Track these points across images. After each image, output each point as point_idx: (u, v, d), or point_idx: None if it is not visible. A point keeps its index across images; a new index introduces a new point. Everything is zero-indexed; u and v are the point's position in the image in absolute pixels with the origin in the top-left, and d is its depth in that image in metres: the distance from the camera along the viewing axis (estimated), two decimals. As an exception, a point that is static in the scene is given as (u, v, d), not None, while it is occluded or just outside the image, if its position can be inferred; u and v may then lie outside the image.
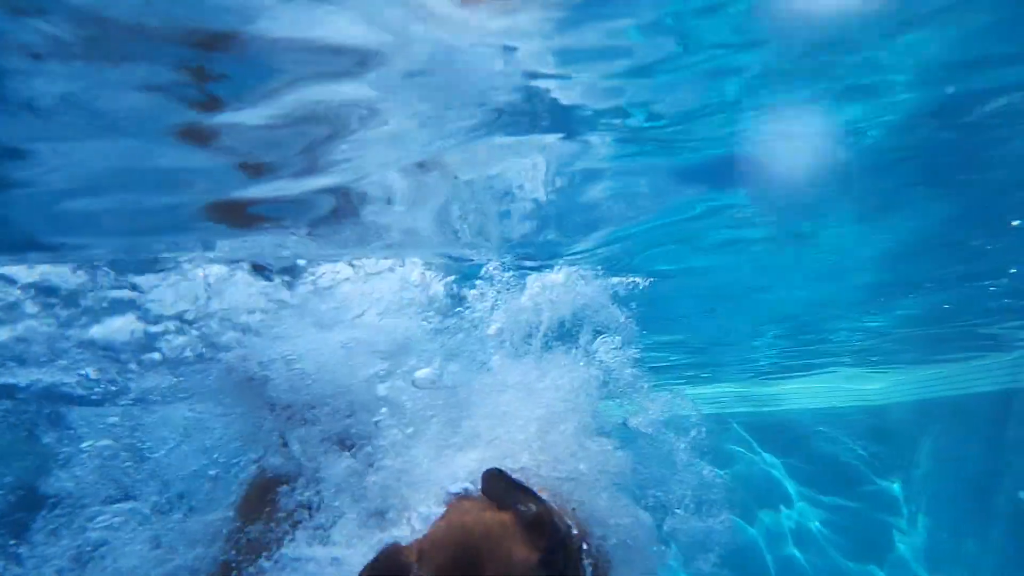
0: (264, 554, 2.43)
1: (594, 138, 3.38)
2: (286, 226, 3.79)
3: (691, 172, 3.96)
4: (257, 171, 3.17)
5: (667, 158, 3.72)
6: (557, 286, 4.45)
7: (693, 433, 4.03)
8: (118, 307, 3.77)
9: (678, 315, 7.53)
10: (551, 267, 4.73)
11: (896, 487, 12.74)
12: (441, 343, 3.80)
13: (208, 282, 3.83)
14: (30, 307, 3.69)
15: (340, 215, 3.77)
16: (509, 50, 2.58)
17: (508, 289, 4.26)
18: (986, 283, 6.81)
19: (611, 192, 4.09)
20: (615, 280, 5.24)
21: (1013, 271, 6.35)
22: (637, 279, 5.59)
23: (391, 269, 4.38)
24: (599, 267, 5.05)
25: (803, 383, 13.68)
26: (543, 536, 1.71)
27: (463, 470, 2.21)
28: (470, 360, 3.66)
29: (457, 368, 3.35)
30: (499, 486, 1.78)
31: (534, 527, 1.71)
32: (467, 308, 4.15)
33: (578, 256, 4.95)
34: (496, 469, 1.80)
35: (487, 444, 2.38)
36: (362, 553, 2.20)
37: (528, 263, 4.78)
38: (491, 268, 4.46)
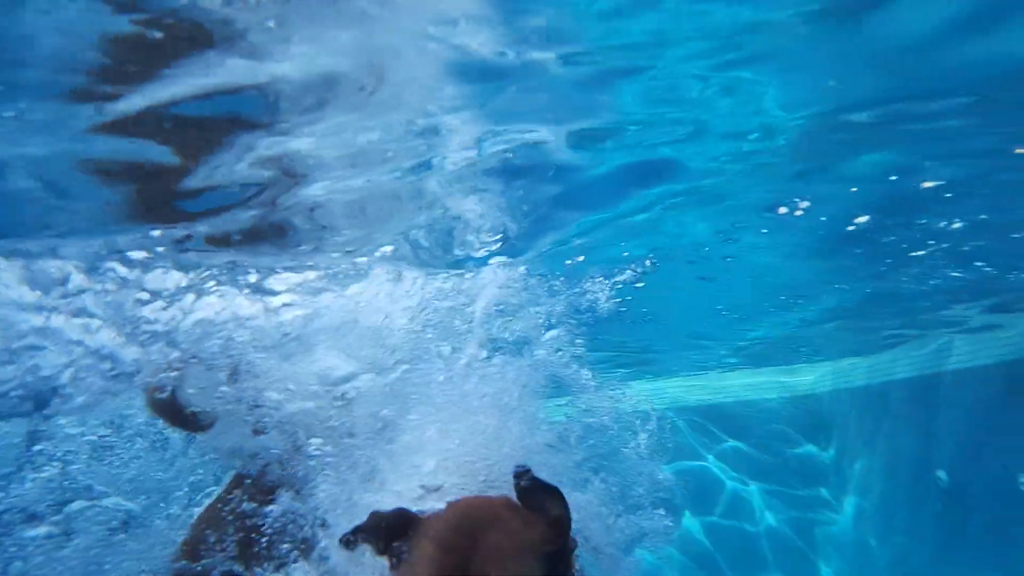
0: None
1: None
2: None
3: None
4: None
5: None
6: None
7: (640, 425, 4.29)
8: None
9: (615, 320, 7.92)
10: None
11: (826, 468, 13.64)
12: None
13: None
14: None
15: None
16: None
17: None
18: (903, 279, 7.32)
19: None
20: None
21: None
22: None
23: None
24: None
25: (742, 377, 14.40)
26: (559, 534, 1.75)
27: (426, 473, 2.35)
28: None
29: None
30: (530, 485, 1.80)
31: (552, 524, 1.75)
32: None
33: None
34: (524, 466, 1.83)
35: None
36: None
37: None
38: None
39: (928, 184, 4.63)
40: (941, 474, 10.19)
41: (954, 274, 6.90)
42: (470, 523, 1.74)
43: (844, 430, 13.29)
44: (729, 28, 2.77)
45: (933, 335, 10.46)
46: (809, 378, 14.44)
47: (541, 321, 4.74)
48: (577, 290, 5.81)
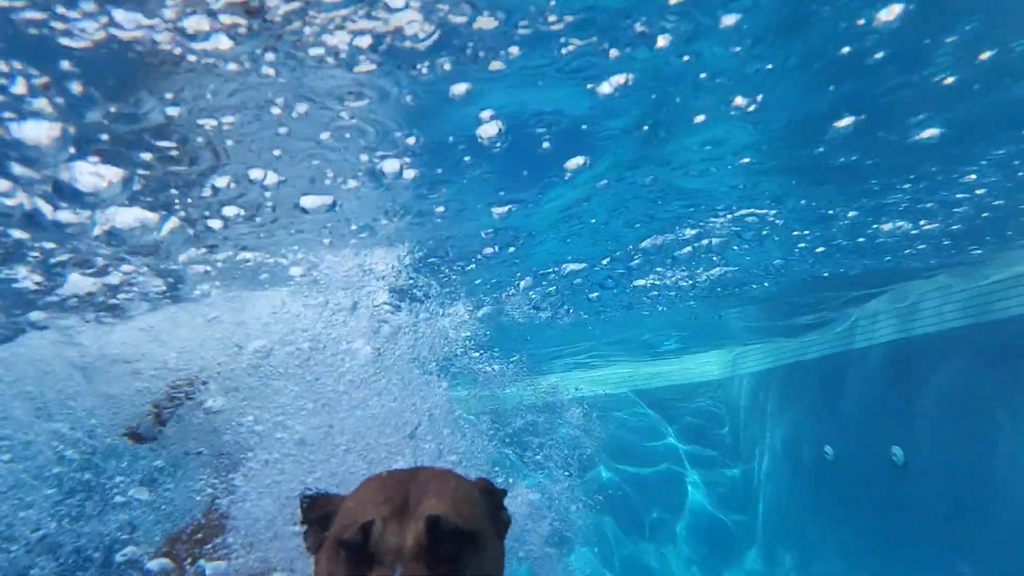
0: None
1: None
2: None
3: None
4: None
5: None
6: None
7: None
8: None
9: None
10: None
11: (736, 446, 14.80)
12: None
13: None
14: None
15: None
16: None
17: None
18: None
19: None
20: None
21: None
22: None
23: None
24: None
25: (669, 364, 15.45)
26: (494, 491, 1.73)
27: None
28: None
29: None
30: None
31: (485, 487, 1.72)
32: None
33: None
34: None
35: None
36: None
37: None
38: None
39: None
40: (828, 449, 11.26)
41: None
42: (399, 472, 1.66)
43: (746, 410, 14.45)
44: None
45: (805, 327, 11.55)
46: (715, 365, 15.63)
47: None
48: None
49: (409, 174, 3.78)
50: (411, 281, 5.33)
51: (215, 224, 3.83)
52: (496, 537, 1.68)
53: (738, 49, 3.22)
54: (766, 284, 8.35)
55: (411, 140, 3.49)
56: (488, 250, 5.44)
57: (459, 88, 3.12)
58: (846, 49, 3.37)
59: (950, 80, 3.76)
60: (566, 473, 10.97)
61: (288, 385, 3.54)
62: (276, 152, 3.34)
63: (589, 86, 3.32)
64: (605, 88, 3.33)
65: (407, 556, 1.43)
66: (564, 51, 3.00)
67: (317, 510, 1.75)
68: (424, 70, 2.95)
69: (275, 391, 3.50)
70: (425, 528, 1.46)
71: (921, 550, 9.29)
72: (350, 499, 1.65)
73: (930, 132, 4.37)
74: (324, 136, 3.31)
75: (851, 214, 6.03)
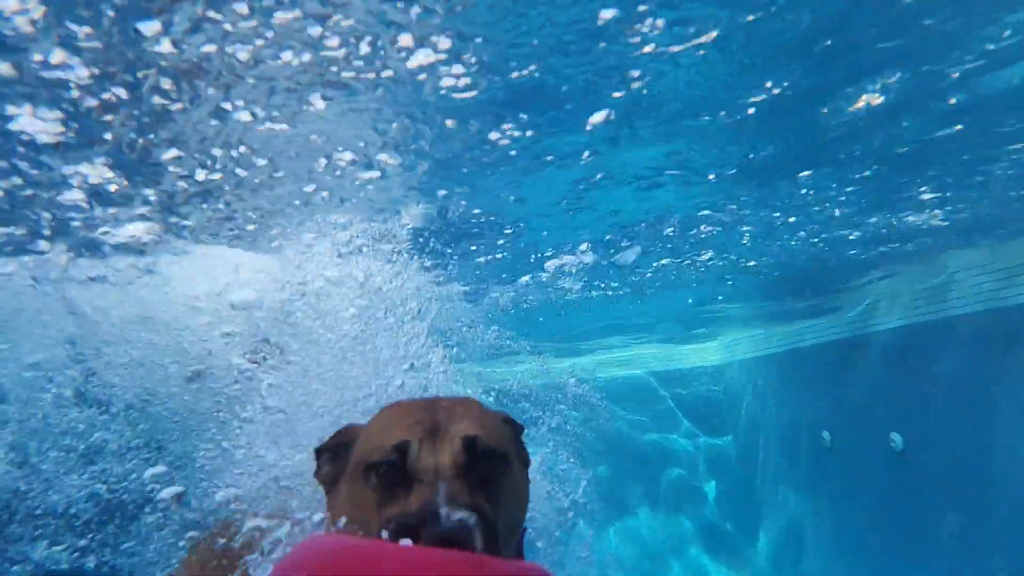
0: None
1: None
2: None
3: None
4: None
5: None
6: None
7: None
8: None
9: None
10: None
11: (733, 427, 14.92)
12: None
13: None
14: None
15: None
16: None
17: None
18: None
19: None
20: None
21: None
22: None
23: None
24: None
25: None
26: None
27: None
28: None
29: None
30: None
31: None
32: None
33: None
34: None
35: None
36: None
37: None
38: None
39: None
40: (825, 434, 11.30)
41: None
42: (419, 400, 1.64)
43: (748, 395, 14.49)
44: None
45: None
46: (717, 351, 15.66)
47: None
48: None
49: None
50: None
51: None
52: (522, 465, 1.66)
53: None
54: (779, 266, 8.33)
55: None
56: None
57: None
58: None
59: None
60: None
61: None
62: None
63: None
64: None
65: (446, 475, 1.40)
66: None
67: (334, 439, 1.69)
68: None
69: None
70: (462, 447, 1.43)
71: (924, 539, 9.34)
72: (371, 426, 1.61)
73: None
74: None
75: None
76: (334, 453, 1.67)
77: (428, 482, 1.38)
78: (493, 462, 1.47)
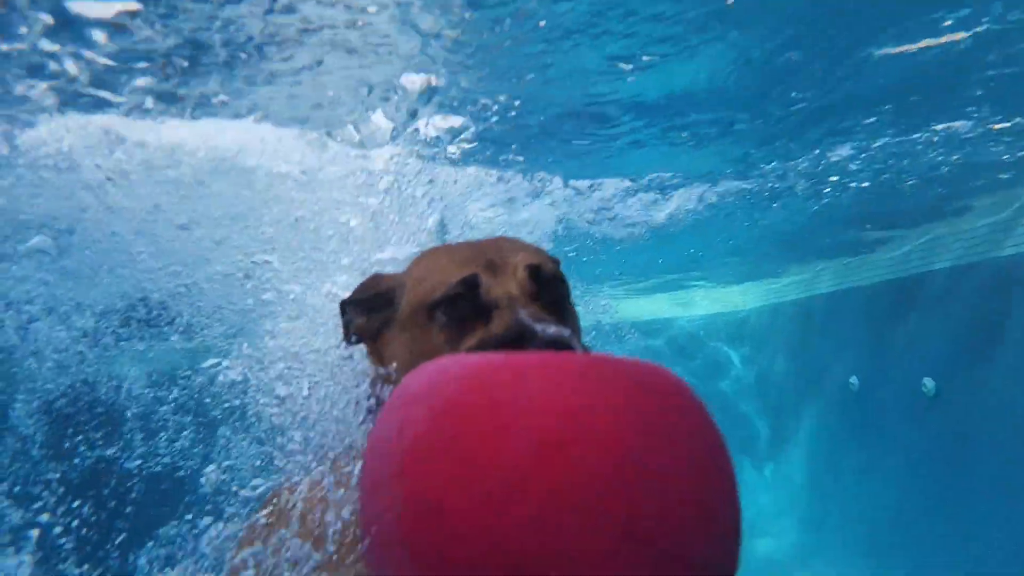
0: None
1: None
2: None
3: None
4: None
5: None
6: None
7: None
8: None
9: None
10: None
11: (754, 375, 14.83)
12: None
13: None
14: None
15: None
16: None
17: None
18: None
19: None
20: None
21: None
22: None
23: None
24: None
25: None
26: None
27: None
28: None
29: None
30: None
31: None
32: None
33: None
34: None
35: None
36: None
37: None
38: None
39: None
40: (853, 379, 11.13)
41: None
42: (461, 242, 1.53)
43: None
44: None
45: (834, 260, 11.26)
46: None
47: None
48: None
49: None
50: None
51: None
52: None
53: None
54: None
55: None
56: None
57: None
58: None
59: None
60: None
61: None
62: None
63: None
64: None
65: (522, 302, 1.31)
66: None
67: (362, 290, 1.57)
68: None
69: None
70: (528, 276, 1.36)
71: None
72: (420, 268, 1.49)
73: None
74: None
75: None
76: (366, 304, 1.55)
77: (506, 308, 1.30)
78: (559, 289, 1.42)
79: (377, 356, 1.55)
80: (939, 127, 5.73)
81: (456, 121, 4.14)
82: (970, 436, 8.73)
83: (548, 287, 1.38)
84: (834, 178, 6.83)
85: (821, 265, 12.27)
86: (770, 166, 6.40)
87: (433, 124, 4.07)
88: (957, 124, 5.70)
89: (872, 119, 5.38)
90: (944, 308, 9.17)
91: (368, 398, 1.58)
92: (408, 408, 0.96)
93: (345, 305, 1.58)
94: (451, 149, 4.45)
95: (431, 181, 4.51)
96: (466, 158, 4.76)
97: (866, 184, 7.14)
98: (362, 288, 1.58)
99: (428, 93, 3.73)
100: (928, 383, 9.39)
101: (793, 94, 4.67)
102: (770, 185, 6.99)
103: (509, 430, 0.86)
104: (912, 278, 10.03)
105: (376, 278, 1.59)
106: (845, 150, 6.06)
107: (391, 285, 1.53)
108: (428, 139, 4.22)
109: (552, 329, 1.19)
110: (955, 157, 6.48)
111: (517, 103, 4.11)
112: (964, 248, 8.92)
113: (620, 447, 0.85)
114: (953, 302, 8.94)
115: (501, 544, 0.81)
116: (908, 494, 9.94)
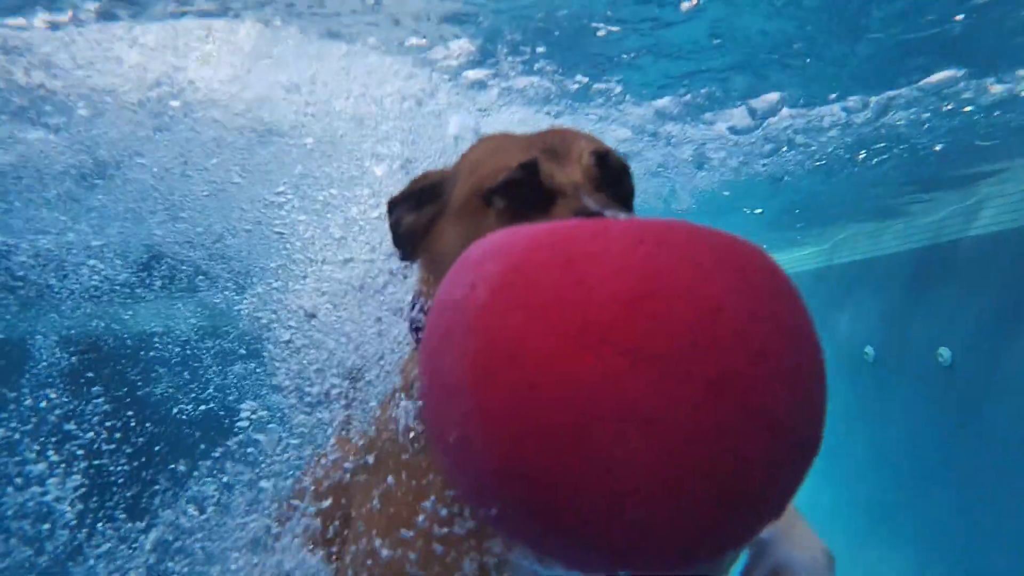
0: None
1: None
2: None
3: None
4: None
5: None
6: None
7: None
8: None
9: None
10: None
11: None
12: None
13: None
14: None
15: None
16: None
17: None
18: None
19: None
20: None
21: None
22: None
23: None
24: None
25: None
26: None
27: None
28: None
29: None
30: None
31: None
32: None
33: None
34: None
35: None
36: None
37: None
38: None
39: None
40: (868, 349, 11.07)
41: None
42: (514, 133, 1.42)
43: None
44: None
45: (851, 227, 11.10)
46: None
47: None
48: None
49: None
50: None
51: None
52: None
53: None
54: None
55: None
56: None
57: None
58: None
59: None
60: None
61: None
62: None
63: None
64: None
65: (587, 189, 1.22)
66: None
67: (411, 186, 1.50)
68: None
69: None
70: (594, 163, 1.27)
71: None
72: (476, 155, 1.41)
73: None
74: None
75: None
76: (415, 199, 1.48)
77: (570, 195, 1.21)
78: (625, 180, 1.33)
79: (427, 257, 1.47)
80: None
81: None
82: (984, 408, 8.69)
83: (615, 178, 1.30)
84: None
85: (843, 233, 12.14)
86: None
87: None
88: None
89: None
90: (967, 279, 9.06)
91: (413, 307, 1.52)
92: (479, 267, 0.92)
93: (393, 205, 1.52)
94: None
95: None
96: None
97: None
98: (411, 185, 1.51)
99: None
100: (944, 353, 9.33)
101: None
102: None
103: (590, 282, 0.82)
104: (934, 247, 9.90)
105: (425, 174, 1.52)
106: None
107: (441, 177, 1.46)
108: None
109: (622, 215, 1.11)
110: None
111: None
112: (992, 216, 8.77)
113: (706, 302, 0.82)
114: (977, 273, 8.83)
115: (579, 394, 0.78)
116: (917, 464, 9.95)
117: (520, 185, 1.25)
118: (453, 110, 4.20)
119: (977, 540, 8.64)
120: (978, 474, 8.69)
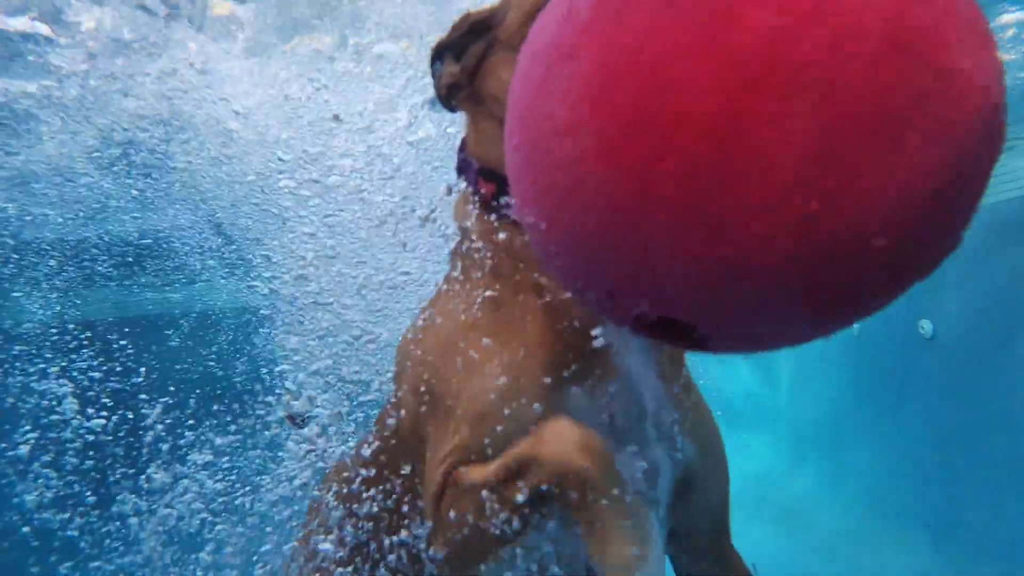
0: None
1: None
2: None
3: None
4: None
5: None
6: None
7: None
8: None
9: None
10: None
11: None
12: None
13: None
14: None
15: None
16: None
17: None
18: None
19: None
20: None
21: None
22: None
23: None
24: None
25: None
26: None
27: None
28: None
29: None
30: None
31: None
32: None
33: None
34: None
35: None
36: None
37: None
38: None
39: None
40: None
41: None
42: None
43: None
44: None
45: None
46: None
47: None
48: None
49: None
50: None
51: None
52: None
53: None
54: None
55: None
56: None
57: None
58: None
59: None
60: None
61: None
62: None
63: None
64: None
65: None
66: None
67: (457, 28, 1.32)
68: None
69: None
70: None
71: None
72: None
73: None
74: None
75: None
76: (460, 43, 1.33)
77: None
78: None
79: (474, 104, 1.34)
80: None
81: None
82: (967, 379, 8.84)
83: None
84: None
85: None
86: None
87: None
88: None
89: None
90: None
91: (462, 156, 1.44)
92: None
93: (436, 55, 1.37)
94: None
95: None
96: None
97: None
98: (453, 28, 1.34)
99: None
100: (925, 325, 9.56)
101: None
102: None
103: None
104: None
105: (466, 14, 1.32)
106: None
107: (488, 12, 1.31)
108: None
109: None
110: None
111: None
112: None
113: None
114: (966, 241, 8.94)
115: (728, 65, 0.68)
116: (907, 439, 10.07)
117: None
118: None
119: (971, 509, 8.70)
120: (966, 445, 8.75)
